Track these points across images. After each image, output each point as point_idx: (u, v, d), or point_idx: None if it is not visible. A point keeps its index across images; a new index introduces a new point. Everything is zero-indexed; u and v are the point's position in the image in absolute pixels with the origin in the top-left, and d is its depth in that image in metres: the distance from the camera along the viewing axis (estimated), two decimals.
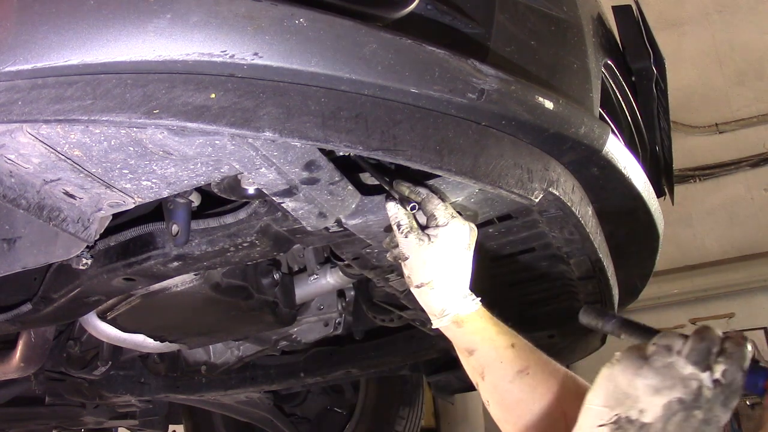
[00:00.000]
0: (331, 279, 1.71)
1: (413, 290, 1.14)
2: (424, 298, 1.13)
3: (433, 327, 1.15)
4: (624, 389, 0.82)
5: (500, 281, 1.68)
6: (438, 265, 1.11)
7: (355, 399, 2.82)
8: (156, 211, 1.24)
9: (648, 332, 0.96)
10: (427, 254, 1.11)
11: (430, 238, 1.11)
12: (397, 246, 1.14)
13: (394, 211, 1.11)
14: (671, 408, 0.78)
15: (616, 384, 0.84)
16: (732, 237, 6.18)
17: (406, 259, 1.12)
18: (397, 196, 1.11)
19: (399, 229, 1.11)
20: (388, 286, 1.41)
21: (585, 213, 1.25)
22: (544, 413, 1.09)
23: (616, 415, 0.82)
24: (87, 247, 1.16)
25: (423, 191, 1.12)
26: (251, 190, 1.08)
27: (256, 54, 0.83)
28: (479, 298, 1.15)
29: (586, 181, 1.24)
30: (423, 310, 1.16)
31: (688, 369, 0.79)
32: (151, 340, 1.78)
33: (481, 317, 1.14)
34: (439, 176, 1.11)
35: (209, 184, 1.06)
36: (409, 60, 0.91)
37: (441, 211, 1.12)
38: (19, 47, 0.82)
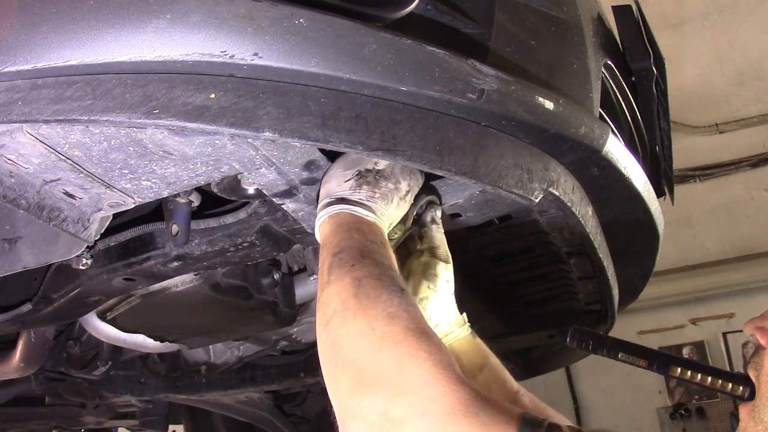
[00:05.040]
0: None
1: (447, 297, 1.12)
2: (446, 304, 1.12)
3: (451, 340, 1.12)
4: (359, 155, 1.01)
5: (500, 281, 1.68)
6: None
7: None
8: (156, 211, 1.24)
9: (646, 351, 0.96)
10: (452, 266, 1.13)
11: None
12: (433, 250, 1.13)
13: (440, 213, 1.12)
14: None
15: (351, 157, 1.02)
16: (732, 237, 6.17)
17: (450, 262, 1.13)
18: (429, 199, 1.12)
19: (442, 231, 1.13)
20: None
21: (585, 213, 1.25)
22: None
23: (357, 170, 1.01)
24: (87, 247, 1.16)
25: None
26: (251, 190, 1.08)
27: (255, 54, 0.83)
28: None
29: (586, 181, 1.24)
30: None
31: None
32: (151, 340, 1.78)
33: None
34: (440, 177, 1.11)
35: (209, 184, 1.06)
36: (408, 60, 0.91)
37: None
38: (19, 47, 0.82)
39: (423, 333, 0.83)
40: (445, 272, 1.11)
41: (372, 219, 0.98)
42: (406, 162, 0.94)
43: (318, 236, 1.00)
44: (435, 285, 1.10)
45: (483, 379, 1.10)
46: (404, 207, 1.05)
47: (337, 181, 1.01)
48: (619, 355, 0.97)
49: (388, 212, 1.01)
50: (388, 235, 1.08)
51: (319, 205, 1.01)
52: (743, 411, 0.90)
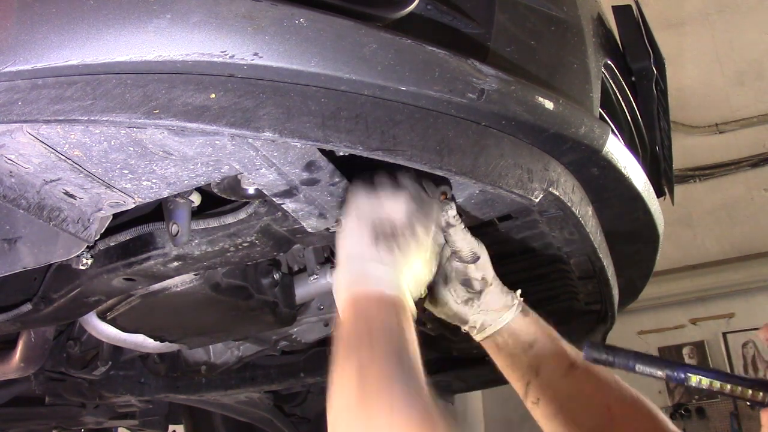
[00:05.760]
0: (331, 279, 1.71)
1: (487, 292, 1.18)
2: (494, 294, 1.18)
3: (501, 324, 1.18)
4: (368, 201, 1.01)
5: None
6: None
7: None
8: (156, 211, 1.24)
9: (663, 363, 0.96)
10: (486, 252, 1.17)
11: (477, 240, 1.17)
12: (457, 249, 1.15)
13: (454, 212, 1.11)
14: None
15: (362, 205, 1.02)
16: (732, 237, 6.18)
17: (478, 258, 1.16)
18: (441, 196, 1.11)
19: (464, 228, 1.14)
20: None
21: (585, 213, 1.25)
22: (592, 408, 1.10)
23: (371, 221, 0.99)
24: (87, 247, 1.16)
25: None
26: (251, 190, 1.08)
27: (256, 54, 0.83)
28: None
29: (586, 181, 1.24)
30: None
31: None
32: (151, 340, 1.78)
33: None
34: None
35: (209, 184, 1.06)
36: (409, 60, 0.91)
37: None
38: (19, 47, 0.82)
39: (426, 421, 0.84)
40: (476, 272, 1.17)
41: (390, 292, 0.96)
42: (406, 162, 0.94)
43: (338, 308, 0.99)
44: (472, 287, 1.18)
45: (532, 356, 1.16)
46: (432, 255, 1.04)
47: (353, 240, 1.00)
48: (637, 368, 0.97)
49: (413, 270, 1.00)
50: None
51: (339, 270, 1.00)
52: (764, 416, 0.90)
